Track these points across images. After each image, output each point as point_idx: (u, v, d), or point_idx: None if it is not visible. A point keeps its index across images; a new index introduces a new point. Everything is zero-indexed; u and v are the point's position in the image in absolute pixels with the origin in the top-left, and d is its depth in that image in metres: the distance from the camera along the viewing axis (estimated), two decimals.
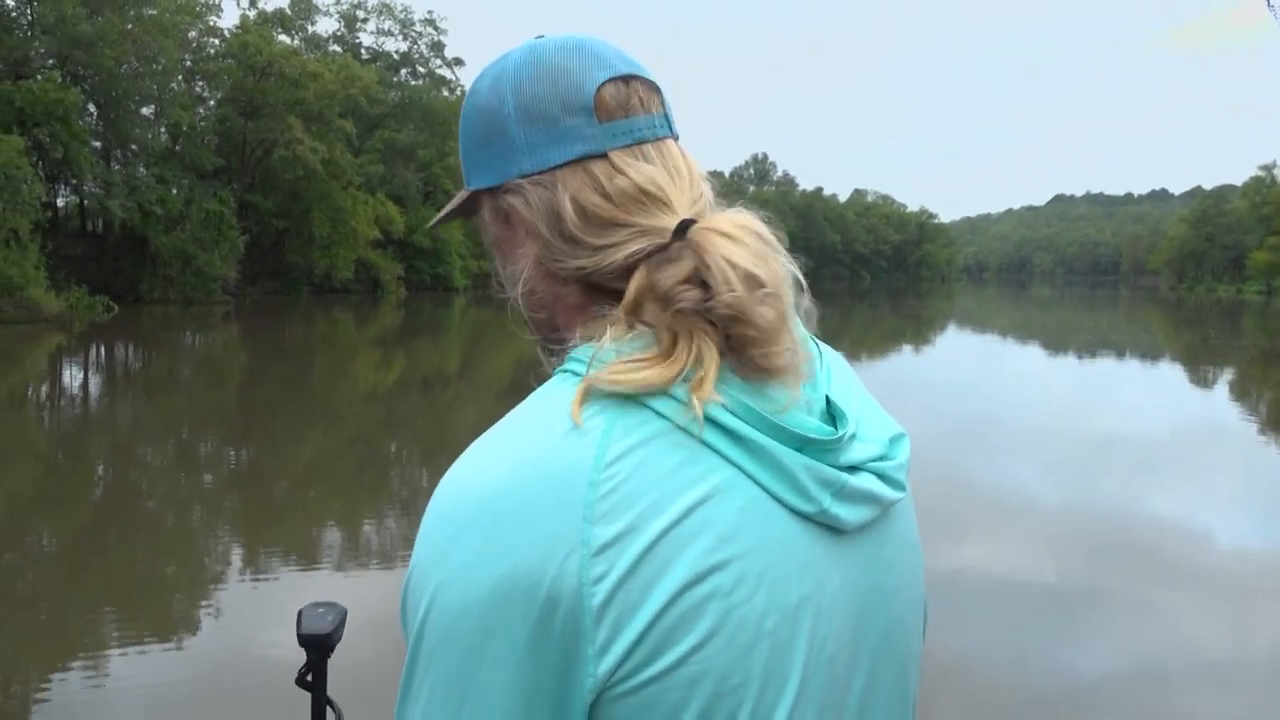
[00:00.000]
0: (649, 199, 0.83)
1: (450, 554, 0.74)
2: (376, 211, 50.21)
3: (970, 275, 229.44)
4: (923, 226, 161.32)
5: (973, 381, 20.41)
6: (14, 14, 38.79)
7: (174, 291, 39.58)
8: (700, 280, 0.78)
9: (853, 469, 0.81)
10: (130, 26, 38.50)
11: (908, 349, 29.85)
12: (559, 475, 0.73)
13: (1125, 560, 7.39)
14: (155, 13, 40.30)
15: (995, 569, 7.01)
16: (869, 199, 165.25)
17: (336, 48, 61.81)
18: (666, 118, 0.89)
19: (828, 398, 0.85)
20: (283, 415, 14.69)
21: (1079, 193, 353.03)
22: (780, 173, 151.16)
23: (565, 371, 0.82)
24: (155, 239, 39.32)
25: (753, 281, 0.77)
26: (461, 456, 0.80)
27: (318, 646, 1.41)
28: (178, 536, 7.99)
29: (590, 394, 0.77)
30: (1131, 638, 5.80)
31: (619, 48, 0.91)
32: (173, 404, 15.83)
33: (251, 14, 51.93)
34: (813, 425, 0.79)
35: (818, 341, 0.94)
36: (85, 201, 41.33)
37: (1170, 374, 22.94)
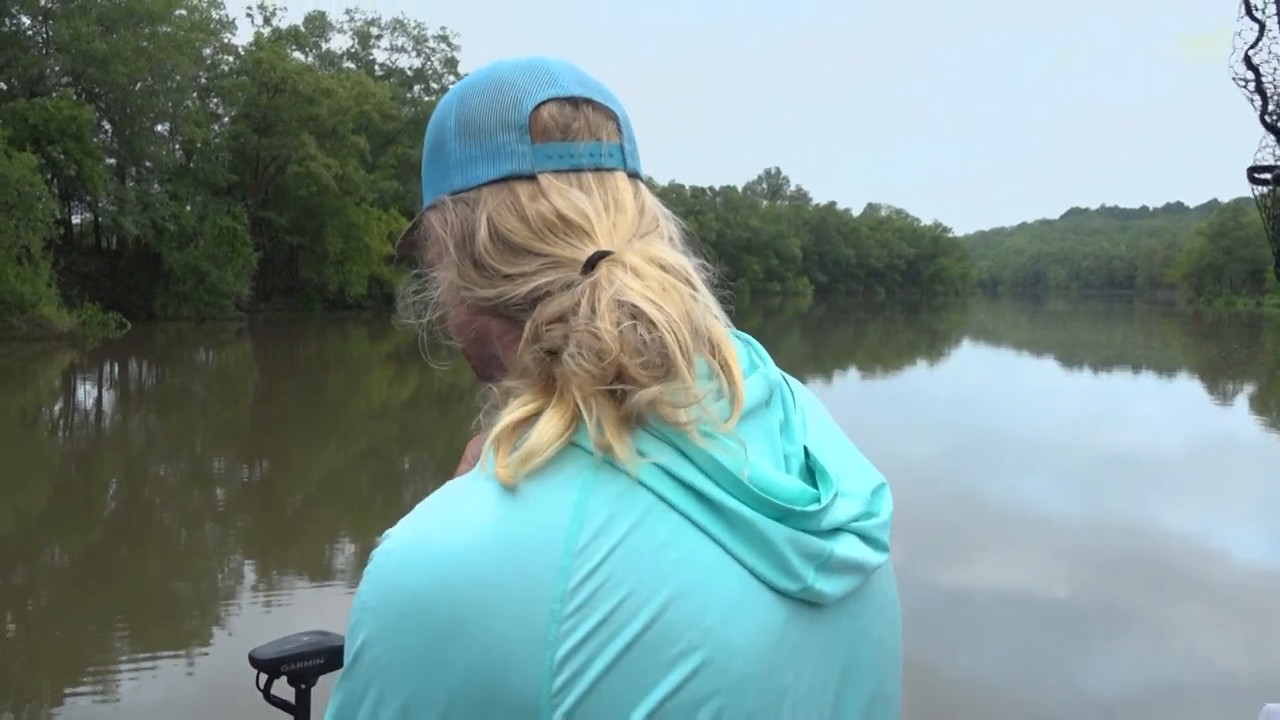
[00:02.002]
0: (569, 228, 0.75)
1: (399, 648, 0.66)
2: (390, 227, 50.31)
3: (984, 289, 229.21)
4: (937, 240, 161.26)
5: (987, 396, 20.14)
6: (29, 32, 39.06)
7: (187, 308, 39.65)
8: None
9: (834, 531, 0.72)
10: (145, 44, 38.70)
11: (922, 363, 29.61)
12: (525, 559, 0.65)
13: (1142, 577, 7.22)
14: (170, 30, 40.56)
15: (1007, 585, 6.85)
16: (882, 213, 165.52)
17: (350, 64, 62.10)
18: (621, 149, 0.81)
19: (806, 450, 0.76)
20: (296, 431, 14.53)
21: (1093, 206, 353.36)
22: (793, 187, 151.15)
23: None
24: (169, 256, 39.44)
25: (631, 314, 0.68)
26: (408, 519, 0.70)
27: (259, 665, 1.57)
28: (190, 554, 7.89)
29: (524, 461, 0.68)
30: (1148, 657, 5.67)
31: (587, 73, 0.84)
32: (186, 420, 15.70)
33: (266, 31, 52.26)
34: (795, 492, 0.70)
35: (788, 378, 0.84)
36: (99, 218, 41.46)
37: (1188, 389, 22.59)
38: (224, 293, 40.47)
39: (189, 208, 41.37)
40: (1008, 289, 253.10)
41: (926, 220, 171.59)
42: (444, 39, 63.90)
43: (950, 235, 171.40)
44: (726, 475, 0.68)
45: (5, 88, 37.31)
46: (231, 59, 48.22)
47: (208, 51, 46.16)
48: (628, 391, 0.66)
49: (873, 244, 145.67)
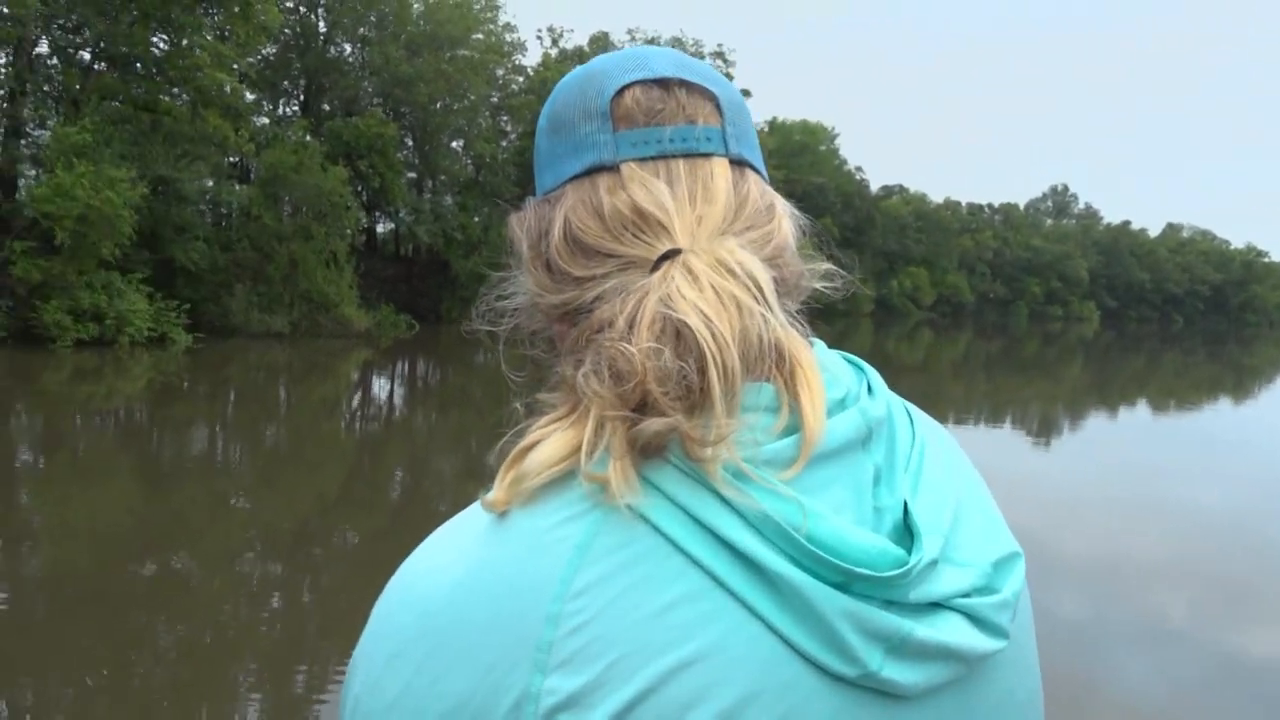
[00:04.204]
0: (646, 223, 0.67)
1: (384, 682, 0.61)
2: None
3: None
4: (1249, 265, 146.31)
5: None
6: (350, 58, 43.00)
7: (470, 313, 42.07)
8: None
9: (930, 607, 0.61)
10: (445, 66, 41.54)
11: (1225, 400, 26.80)
12: (512, 601, 0.58)
13: None
14: (467, 53, 43.37)
15: None
16: (1184, 234, 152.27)
17: None
18: (721, 133, 0.72)
19: (907, 506, 0.63)
20: None
21: None
22: (1082, 205, 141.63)
23: None
24: (456, 263, 41.99)
25: (675, 330, 0.61)
26: (419, 548, 0.67)
27: None
28: None
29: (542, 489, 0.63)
30: None
31: (690, 58, 0.76)
32: (464, 418, 16.56)
33: (554, 52, 54.88)
34: (871, 553, 0.58)
35: (914, 414, 0.72)
36: (399, 228, 44.90)
37: None
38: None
39: (476, 219, 43.97)
40: None
41: (1238, 243, 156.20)
42: (720, 55, 64.76)
43: (1266, 260, 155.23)
44: (773, 526, 0.57)
45: (327, 108, 41.19)
46: (520, 79, 50.90)
47: (500, 72, 48.96)
48: (651, 411, 0.59)
49: (1171, 267, 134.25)
